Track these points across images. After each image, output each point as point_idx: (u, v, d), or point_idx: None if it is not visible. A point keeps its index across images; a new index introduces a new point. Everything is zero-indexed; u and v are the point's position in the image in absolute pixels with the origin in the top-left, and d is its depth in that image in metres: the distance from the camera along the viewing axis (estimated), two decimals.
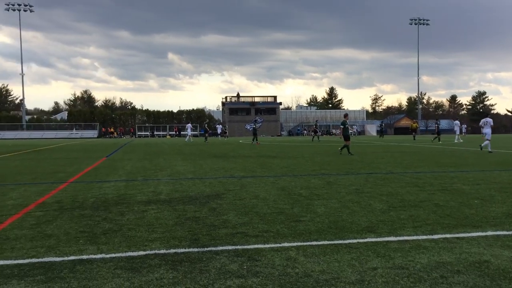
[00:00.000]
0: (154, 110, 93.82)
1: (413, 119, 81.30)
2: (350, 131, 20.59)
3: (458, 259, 4.24)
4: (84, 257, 4.34)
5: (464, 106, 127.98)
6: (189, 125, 45.65)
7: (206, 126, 45.05)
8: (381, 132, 53.63)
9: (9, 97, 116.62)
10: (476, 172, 11.78)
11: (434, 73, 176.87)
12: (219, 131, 55.40)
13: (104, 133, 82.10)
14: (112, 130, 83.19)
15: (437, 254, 4.40)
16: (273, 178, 10.70)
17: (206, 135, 43.50)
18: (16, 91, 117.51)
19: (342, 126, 20.87)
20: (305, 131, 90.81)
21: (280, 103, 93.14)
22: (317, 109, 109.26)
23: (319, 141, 40.46)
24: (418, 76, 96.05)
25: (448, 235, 5.13)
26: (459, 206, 6.87)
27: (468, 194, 7.99)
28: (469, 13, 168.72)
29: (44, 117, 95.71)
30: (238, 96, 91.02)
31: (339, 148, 20.65)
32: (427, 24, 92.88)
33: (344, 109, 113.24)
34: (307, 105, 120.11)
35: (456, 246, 4.69)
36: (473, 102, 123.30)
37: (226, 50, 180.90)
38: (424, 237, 5.05)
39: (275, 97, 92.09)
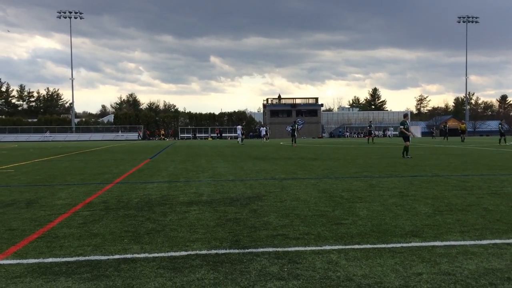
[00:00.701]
0: (196, 113, 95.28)
1: (461, 119, 78.72)
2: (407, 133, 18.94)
3: (508, 266, 4.05)
4: (128, 256, 4.45)
5: None
6: (239, 126, 46.62)
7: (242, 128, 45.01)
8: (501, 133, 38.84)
9: (60, 101, 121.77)
10: None
11: (482, 72, 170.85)
12: (263, 133, 54.34)
13: (148, 136, 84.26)
14: (162, 132, 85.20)
15: (486, 260, 4.22)
16: (314, 180, 10.61)
17: (243, 136, 43.36)
18: (66, 95, 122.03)
19: (402, 127, 19.57)
20: (347, 133, 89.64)
21: (322, 105, 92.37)
22: (359, 111, 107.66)
23: (373, 143, 38.34)
24: (466, 75, 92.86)
25: (497, 241, 4.91)
26: (509, 211, 6.57)
27: None
28: None
29: (92, 120, 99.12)
30: (279, 98, 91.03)
31: (404, 154, 18.44)
32: (477, 22, 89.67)
33: (387, 110, 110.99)
34: (349, 106, 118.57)
35: (506, 252, 4.48)
36: None
37: (268, 52, 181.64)
38: (472, 242, 4.86)
39: (316, 98, 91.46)
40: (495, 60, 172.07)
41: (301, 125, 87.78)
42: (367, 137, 38.34)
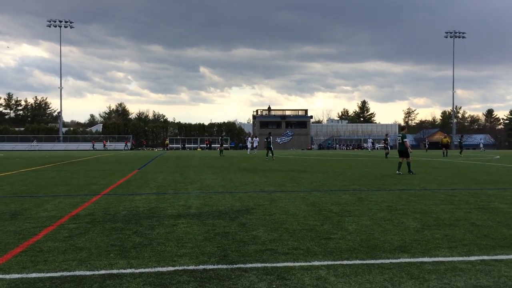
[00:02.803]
0: (185, 123, 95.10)
1: (448, 133, 79.42)
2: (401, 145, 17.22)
3: (496, 283, 4.05)
4: (114, 271, 4.37)
5: (502, 121, 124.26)
6: (250, 138, 47.93)
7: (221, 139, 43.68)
8: (460, 146, 42.62)
9: (48, 109, 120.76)
10: None
11: (469, 87, 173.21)
12: (255, 144, 50.10)
13: (145, 145, 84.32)
14: (145, 143, 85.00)
15: (474, 277, 4.22)
16: (303, 193, 10.59)
17: (222, 148, 41.40)
18: (53, 104, 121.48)
19: (406, 140, 17.32)
20: (337, 145, 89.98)
21: (311, 117, 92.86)
22: (348, 123, 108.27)
23: (386, 158, 32.33)
24: (453, 89, 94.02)
25: (485, 257, 4.92)
26: (497, 226, 6.60)
27: (506, 214, 7.69)
28: (506, 25, 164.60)
29: (80, 129, 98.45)
30: (269, 109, 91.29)
31: (409, 171, 16.81)
32: (463, 37, 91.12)
33: (376, 122, 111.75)
34: (338, 118, 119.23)
35: (494, 269, 4.49)
36: (511, 116, 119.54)
37: (257, 64, 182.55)
38: (460, 258, 4.87)
39: (306, 110, 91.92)
40: (481, 74, 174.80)
41: (290, 137, 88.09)
42: (386, 151, 33.21)
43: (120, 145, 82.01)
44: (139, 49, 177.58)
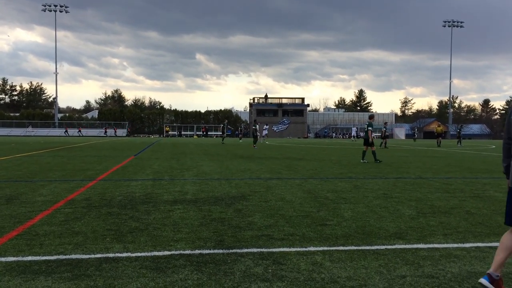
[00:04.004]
0: (182, 110, 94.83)
1: (444, 123, 79.57)
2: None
3: None
4: (110, 255, 4.38)
5: (498, 111, 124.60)
6: (264, 125, 47.22)
7: (224, 127, 41.47)
8: (458, 136, 39.98)
9: (43, 95, 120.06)
10: None
11: (465, 76, 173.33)
12: (265, 132, 47.19)
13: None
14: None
15: (469, 264, 4.25)
16: (299, 181, 10.61)
17: (224, 135, 40.68)
18: (49, 90, 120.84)
19: (370, 129, 17.28)
20: (334, 134, 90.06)
21: (308, 105, 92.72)
22: (344, 112, 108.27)
23: (386, 148, 30.78)
24: (450, 79, 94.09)
25: (480, 244, 4.96)
26: (491, 214, 6.64)
27: (501, 202, 7.73)
28: (504, 15, 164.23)
29: (76, 115, 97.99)
30: (266, 97, 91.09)
31: (375, 160, 16.90)
32: (461, 27, 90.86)
33: (372, 112, 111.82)
34: (335, 107, 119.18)
35: (488, 255, 4.52)
36: (507, 106, 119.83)
37: (253, 51, 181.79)
38: (455, 245, 4.90)
39: (302, 98, 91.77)
40: (478, 64, 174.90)
41: (287, 125, 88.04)
42: (384, 140, 31.12)
43: (116, 132, 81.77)
44: (134, 35, 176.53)
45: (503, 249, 3.59)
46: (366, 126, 17.61)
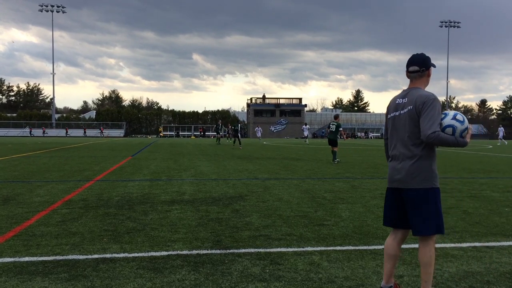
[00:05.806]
0: (179, 111, 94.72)
1: None
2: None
3: (488, 269, 4.09)
4: (108, 256, 4.37)
5: (495, 111, 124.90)
6: (304, 126, 45.37)
7: (218, 127, 39.81)
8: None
9: (40, 95, 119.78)
10: (506, 179, 11.44)
11: (462, 77, 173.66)
12: (306, 133, 45.72)
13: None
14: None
15: (466, 263, 4.26)
16: (296, 181, 10.61)
17: (219, 136, 38.96)
18: (46, 90, 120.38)
19: (341, 129, 17.13)
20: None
21: (305, 105, 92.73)
22: (341, 112, 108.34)
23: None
24: (447, 79, 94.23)
25: (477, 244, 4.97)
26: (488, 214, 6.66)
27: (498, 202, 7.75)
28: (500, 15, 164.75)
29: (73, 115, 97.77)
30: (263, 97, 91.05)
31: (333, 159, 16.54)
32: (458, 27, 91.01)
33: (370, 112, 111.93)
34: (332, 107, 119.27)
35: (485, 255, 4.53)
36: (504, 107, 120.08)
37: (250, 51, 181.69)
38: (452, 245, 4.91)
39: (300, 99, 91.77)
40: (474, 64, 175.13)
41: (284, 125, 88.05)
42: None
43: (114, 132, 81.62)
44: (130, 35, 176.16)
45: (388, 259, 3.43)
46: (334, 126, 17.03)
